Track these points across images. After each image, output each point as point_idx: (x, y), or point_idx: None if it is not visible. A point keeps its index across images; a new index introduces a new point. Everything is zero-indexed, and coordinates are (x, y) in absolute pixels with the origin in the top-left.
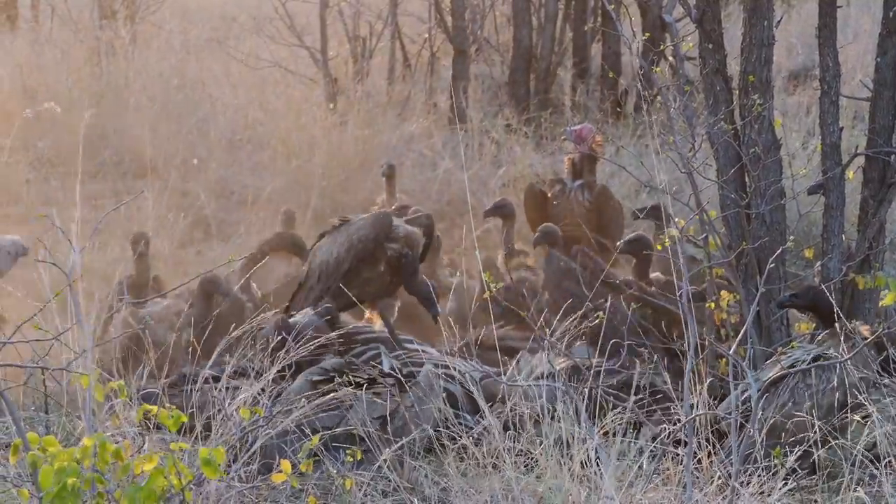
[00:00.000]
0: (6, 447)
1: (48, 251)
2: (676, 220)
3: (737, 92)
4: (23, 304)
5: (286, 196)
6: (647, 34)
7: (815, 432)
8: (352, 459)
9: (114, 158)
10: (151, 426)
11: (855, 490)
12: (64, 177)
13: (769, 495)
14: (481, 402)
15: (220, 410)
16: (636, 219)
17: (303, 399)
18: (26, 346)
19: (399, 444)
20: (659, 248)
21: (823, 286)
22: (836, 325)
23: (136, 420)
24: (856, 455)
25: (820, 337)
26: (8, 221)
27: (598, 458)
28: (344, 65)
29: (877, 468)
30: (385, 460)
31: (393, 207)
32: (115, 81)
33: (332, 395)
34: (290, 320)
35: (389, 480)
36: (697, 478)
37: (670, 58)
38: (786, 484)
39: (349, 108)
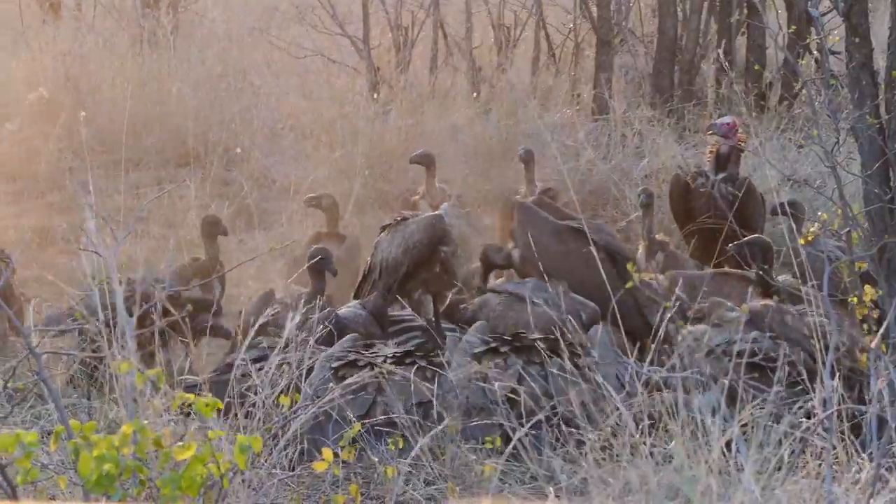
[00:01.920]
0: (49, 434)
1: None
2: (820, 213)
3: (882, 86)
4: (64, 292)
5: (328, 185)
6: (793, 27)
7: None
8: (394, 447)
9: (156, 147)
10: (193, 414)
11: None
12: (107, 165)
13: None
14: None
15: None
16: (774, 214)
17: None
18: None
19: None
20: (802, 242)
21: None
22: None
23: (174, 408)
24: None
25: None
26: (51, 209)
27: (737, 450)
28: (386, 54)
29: None
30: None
31: (536, 193)
32: (157, 70)
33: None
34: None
35: (527, 469)
36: (837, 472)
37: (815, 52)
38: None
39: (392, 98)
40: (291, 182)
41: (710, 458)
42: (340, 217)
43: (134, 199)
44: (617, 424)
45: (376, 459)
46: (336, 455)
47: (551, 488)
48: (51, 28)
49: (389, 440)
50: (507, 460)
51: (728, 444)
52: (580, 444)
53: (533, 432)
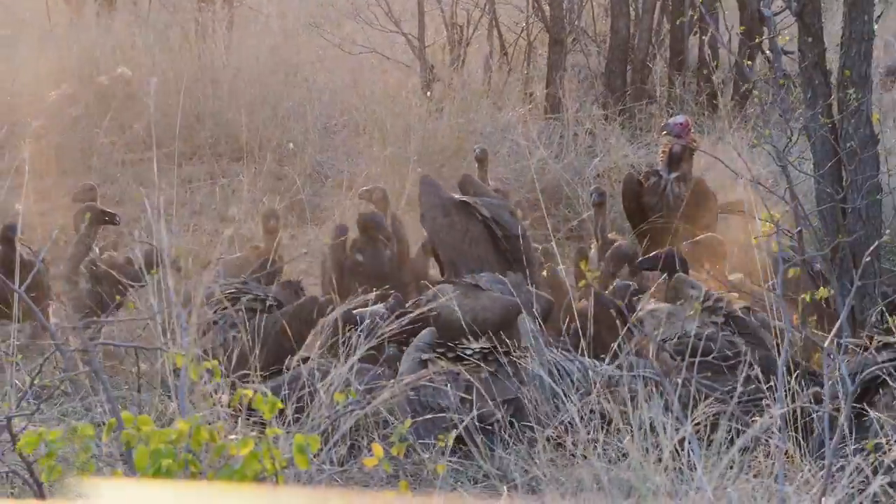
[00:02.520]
0: (99, 426)
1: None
2: (771, 213)
3: (835, 86)
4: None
5: (380, 182)
6: (743, 27)
7: None
8: (443, 445)
9: (209, 141)
10: (243, 408)
11: None
12: (159, 158)
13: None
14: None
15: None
16: (721, 213)
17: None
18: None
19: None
20: (755, 241)
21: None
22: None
23: (232, 405)
24: None
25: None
26: (104, 202)
27: (689, 449)
28: (440, 52)
29: None
30: (477, 447)
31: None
32: (211, 64)
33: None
34: (354, 312)
35: (480, 467)
36: (789, 471)
37: (767, 51)
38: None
39: (445, 96)
40: (344, 178)
41: (662, 456)
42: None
43: (187, 193)
44: (570, 423)
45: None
46: (386, 451)
47: (504, 487)
48: (105, 20)
49: (439, 438)
50: (460, 459)
51: (681, 443)
52: (533, 442)
53: (482, 424)
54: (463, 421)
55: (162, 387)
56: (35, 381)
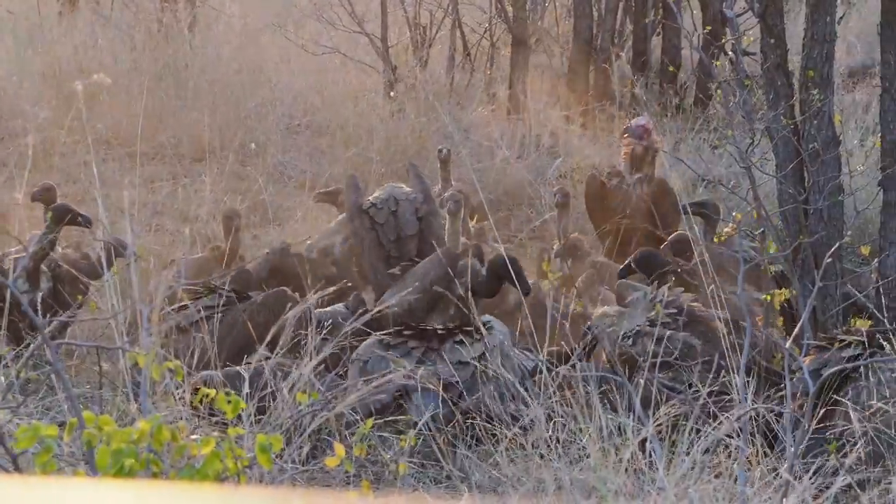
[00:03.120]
0: (60, 425)
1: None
2: (734, 214)
3: (797, 87)
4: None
5: (343, 182)
6: (708, 28)
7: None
8: (405, 445)
9: (172, 141)
10: (204, 407)
11: None
12: (122, 158)
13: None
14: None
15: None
16: (685, 214)
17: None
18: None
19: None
20: (717, 240)
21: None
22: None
23: (194, 404)
24: None
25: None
26: (66, 201)
27: (651, 449)
28: (404, 52)
29: None
30: (439, 447)
31: (447, 193)
32: (174, 64)
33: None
34: (316, 312)
35: (442, 467)
36: (750, 472)
37: (730, 52)
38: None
39: (408, 96)
40: (307, 179)
41: (623, 457)
42: None
43: (149, 193)
44: (531, 422)
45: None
46: (348, 451)
47: (466, 487)
48: (68, 19)
49: (402, 438)
50: (421, 459)
51: (642, 444)
52: (495, 441)
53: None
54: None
55: (124, 386)
56: (20, 375)
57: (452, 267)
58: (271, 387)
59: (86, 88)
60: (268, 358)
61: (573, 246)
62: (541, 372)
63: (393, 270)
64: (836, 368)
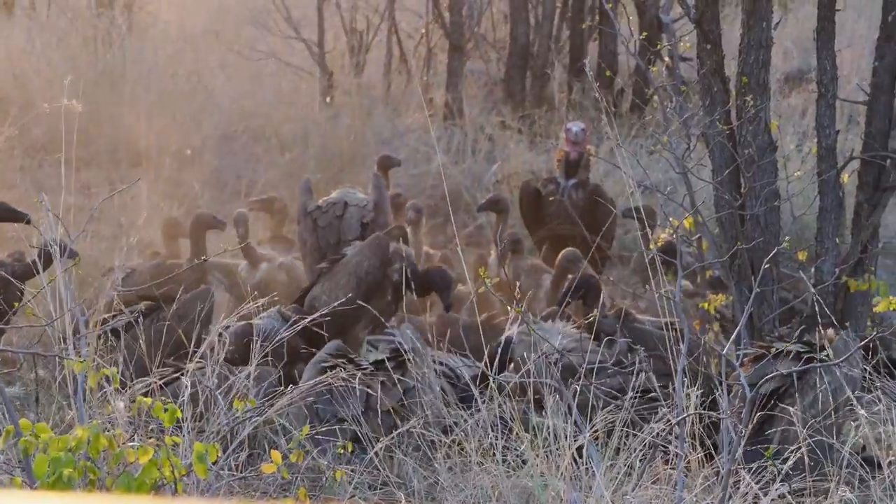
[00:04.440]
0: None
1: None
2: (670, 219)
3: (733, 93)
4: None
5: (279, 188)
6: (645, 33)
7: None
8: (342, 452)
9: (108, 147)
10: (142, 414)
11: (844, 492)
12: (58, 164)
13: (761, 498)
14: (477, 395)
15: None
16: (626, 217)
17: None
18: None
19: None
20: (652, 247)
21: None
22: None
23: (133, 414)
24: (844, 457)
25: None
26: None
27: (589, 456)
28: (340, 58)
29: (866, 471)
30: (376, 453)
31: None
32: (110, 70)
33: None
34: (253, 322)
35: (378, 473)
36: (689, 478)
37: (666, 58)
38: (783, 484)
39: (344, 102)
40: (243, 184)
41: (561, 463)
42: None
43: (85, 199)
44: (470, 430)
45: (324, 463)
46: (284, 457)
47: (403, 494)
48: (3, 25)
49: (338, 445)
50: (359, 466)
51: (580, 450)
52: (434, 448)
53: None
54: (362, 428)
55: (60, 394)
56: None
57: (385, 255)
58: (201, 394)
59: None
60: (201, 366)
61: (514, 241)
62: (483, 379)
63: (320, 266)
64: (772, 375)
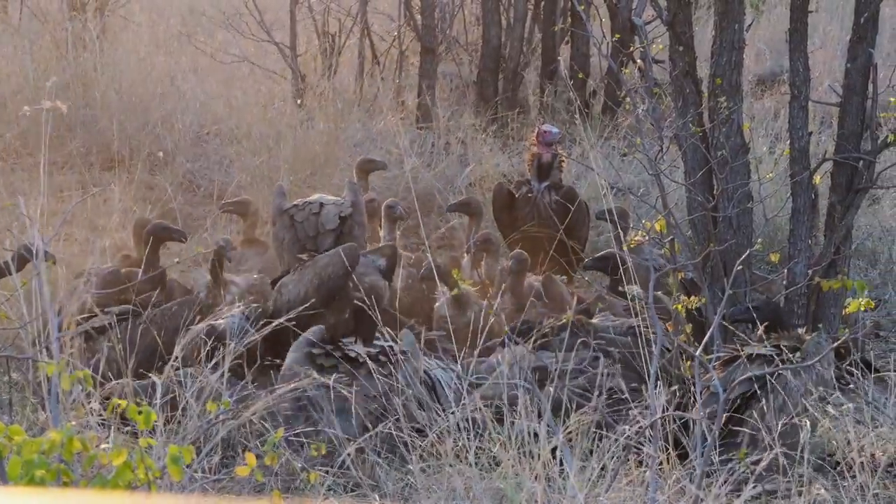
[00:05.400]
0: None
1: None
2: (643, 221)
3: (706, 95)
4: None
5: (252, 191)
6: (617, 36)
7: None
8: (316, 454)
9: (80, 150)
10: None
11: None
12: (30, 167)
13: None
14: (450, 398)
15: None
16: (599, 219)
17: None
18: None
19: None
20: (625, 249)
21: (781, 293)
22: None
23: (107, 415)
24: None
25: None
26: None
27: (561, 457)
28: (313, 61)
29: (838, 472)
30: (349, 455)
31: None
32: (82, 73)
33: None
34: (217, 323)
35: (352, 476)
36: (661, 479)
37: (639, 60)
38: (755, 486)
39: (316, 105)
40: (215, 187)
41: (535, 465)
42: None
43: (58, 203)
44: (445, 431)
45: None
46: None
47: (376, 496)
48: None
49: (312, 446)
50: (332, 468)
51: (554, 451)
52: (407, 450)
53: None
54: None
55: (34, 396)
56: None
57: (352, 263)
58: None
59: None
60: (177, 368)
61: (486, 240)
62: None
63: (301, 256)
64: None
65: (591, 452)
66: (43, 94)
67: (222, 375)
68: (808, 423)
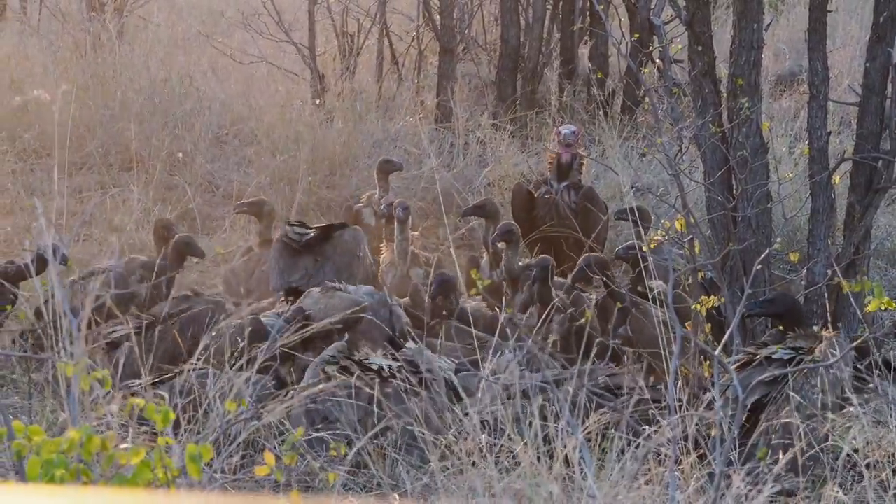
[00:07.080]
0: None
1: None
2: (663, 221)
3: (725, 95)
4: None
5: (271, 191)
6: (636, 35)
7: (801, 435)
8: (335, 454)
9: (100, 151)
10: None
11: (836, 493)
12: (50, 168)
13: (753, 499)
14: (465, 398)
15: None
16: (619, 218)
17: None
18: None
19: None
20: (645, 249)
21: (800, 293)
22: (802, 328)
23: (125, 414)
24: (840, 459)
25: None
26: None
27: (581, 457)
28: (331, 61)
29: (860, 472)
30: (369, 454)
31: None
32: (102, 74)
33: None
34: (263, 320)
35: (372, 476)
36: (681, 479)
37: (658, 60)
38: (774, 486)
39: (335, 105)
40: (234, 187)
41: (554, 464)
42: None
43: (77, 203)
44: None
45: (317, 465)
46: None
47: (396, 495)
48: None
49: (331, 446)
50: (352, 468)
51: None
52: (428, 450)
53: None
54: (358, 435)
55: (53, 396)
56: None
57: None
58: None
59: (24, 105)
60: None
61: (508, 231)
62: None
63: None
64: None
65: (606, 451)
66: (64, 95)
67: (253, 374)
68: (827, 423)
